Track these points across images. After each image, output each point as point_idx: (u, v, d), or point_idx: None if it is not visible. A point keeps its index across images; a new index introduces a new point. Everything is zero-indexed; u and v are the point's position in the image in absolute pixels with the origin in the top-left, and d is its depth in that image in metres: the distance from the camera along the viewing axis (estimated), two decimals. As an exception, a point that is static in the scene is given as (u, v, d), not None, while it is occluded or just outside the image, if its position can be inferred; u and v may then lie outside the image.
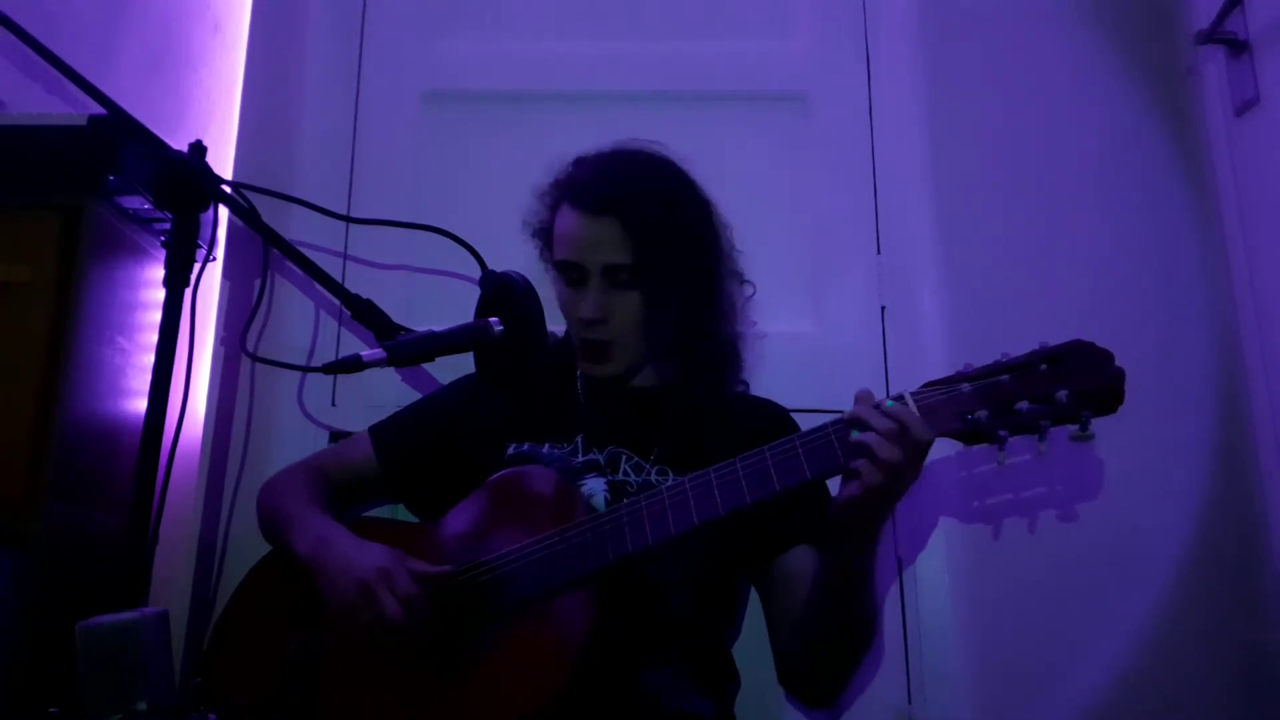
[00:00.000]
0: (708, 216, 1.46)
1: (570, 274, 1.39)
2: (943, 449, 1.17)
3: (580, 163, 1.45)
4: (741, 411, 1.46)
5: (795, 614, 1.32)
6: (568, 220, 1.40)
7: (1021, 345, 1.16)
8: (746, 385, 1.53)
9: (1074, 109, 1.87)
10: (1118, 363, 1.12)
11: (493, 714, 1.15)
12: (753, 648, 1.42)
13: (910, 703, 1.64)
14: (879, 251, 1.84)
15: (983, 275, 1.80)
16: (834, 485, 1.18)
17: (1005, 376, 1.12)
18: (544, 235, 1.47)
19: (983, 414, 1.12)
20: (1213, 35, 1.73)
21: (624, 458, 1.37)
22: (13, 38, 1.43)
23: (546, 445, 1.39)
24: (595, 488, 1.34)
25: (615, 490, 1.34)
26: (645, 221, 1.36)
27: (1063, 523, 1.65)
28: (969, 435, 1.14)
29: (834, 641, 1.26)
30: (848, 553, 1.18)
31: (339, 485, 1.47)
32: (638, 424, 1.40)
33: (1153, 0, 1.91)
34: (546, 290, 1.45)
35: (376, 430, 1.51)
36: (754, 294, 1.53)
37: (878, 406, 1.13)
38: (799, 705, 1.54)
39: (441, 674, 1.20)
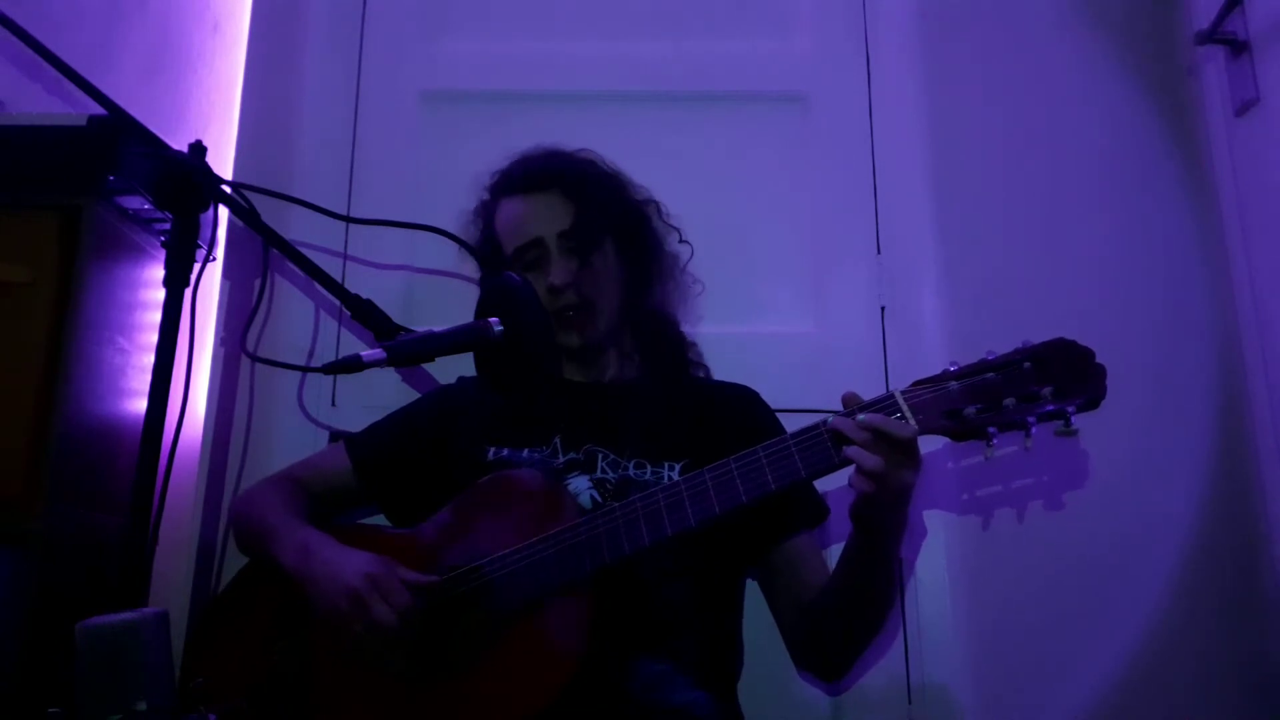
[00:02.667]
0: (638, 198, 1.57)
1: (530, 255, 1.45)
2: (931, 443, 1.19)
3: (503, 170, 1.56)
4: (712, 397, 1.50)
5: (801, 597, 1.36)
6: (511, 207, 1.49)
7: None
8: (707, 370, 1.58)
9: (1074, 109, 1.88)
10: (1107, 361, 1.14)
11: (492, 717, 1.15)
12: (759, 630, 1.45)
13: (910, 703, 1.64)
14: (879, 251, 1.84)
15: (983, 275, 1.80)
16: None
17: (991, 374, 1.15)
18: (490, 242, 1.54)
19: (971, 411, 1.14)
20: (1213, 35, 1.73)
21: (600, 455, 1.38)
22: (13, 38, 1.43)
23: (526, 450, 1.40)
24: (580, 486, 1.35)
25: (599, 487, 1.35)
26: (583, 188, 1.47)
27: (1056, 517, 1.65)
28: (959, 433, 1.16)
29: (854, 621, 1.31)
30: (871, 543, 1.21)
31: (316, 496, 1.47)
32: (611, 420, 1.42)
33: (1153, 0, 1.91)
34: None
35: (352, 442, 1.52)
36: (702, 291, 1.62)
37: (852, 414, 1.15)
38: (812, 680, 1.59)
39: (436, 679, 1.20)
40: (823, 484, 1.39)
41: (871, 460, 1.11)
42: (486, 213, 1.56)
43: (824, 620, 1.32)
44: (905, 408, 1.15)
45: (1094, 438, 1.66)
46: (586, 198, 1.46)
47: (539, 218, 1.46)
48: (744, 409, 1.49)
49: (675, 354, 1.53)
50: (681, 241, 1.61)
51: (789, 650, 1.43)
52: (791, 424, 1.49)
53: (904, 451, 1.13)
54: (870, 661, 1.63)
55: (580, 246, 1.44)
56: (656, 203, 1.59)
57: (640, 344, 1.52)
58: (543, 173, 1.49)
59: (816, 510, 1.44)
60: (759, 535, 1.39)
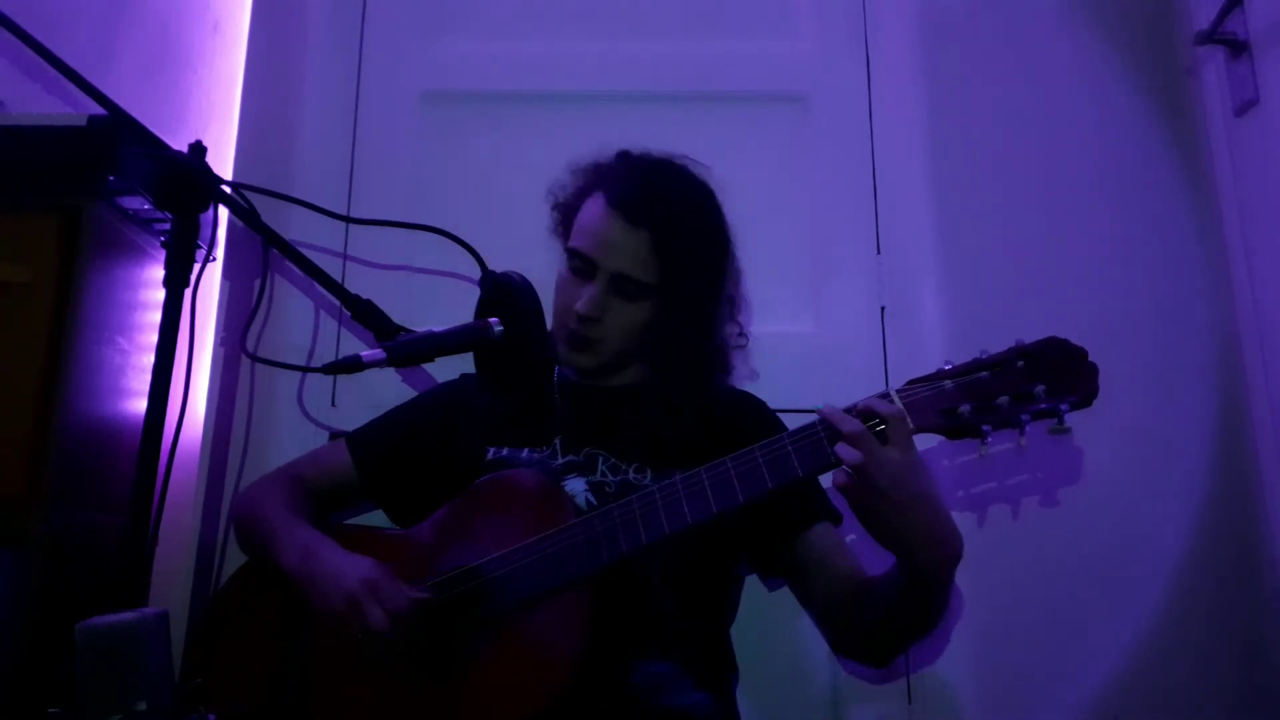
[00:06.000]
0: (727, 245, 1.47)
1: (577, 263, 1.39)
2: (926, 440, 1.19)
3: (625, 157, 1.45)
4: (717, 405, 1.47)
5: (833, 588, 1.33)
6: (597, 213, 1.39)
7: (1021, 345, 1.17)
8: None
9: (1074, 109, 1.88)
10: (1107, 360, 1.15)
11: (493, 718, 1.15)
12: (752, 636, 1.45)
13: (910, 703, 1.64)
14: (879, 251, 1.84)
15: (983, 275, 1.80)
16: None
17: (985, 373, 1.16)
18: (564, 212, 1.46)
19: (965, 409, 1.15)
20: (1213, 35, 1.73)
21: (600, 458, 1.38)
22: (13, 38, 1.43)
23: (525, 450, 1.39)
24: (576, 488, 1.35)
25: (596, 490, 1.34)
26: (674, 245, 1.36)
27: (1056, 517, 1.66)
28: (953, 430, 1.16)
29: (906, 625, 1.25)
30: (907, 561, 1.16)
31: (317, 494, 1.46)
32: (613, 424, 1.41)
33: (1153, 0, 1.91)
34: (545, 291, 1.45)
35: (353, 439, 1.51)
36: (746, 344, 1.53)
37: (848, 410, 1.15)
38: (854, 666, 1.59)
39: (434, 682, 1.20)
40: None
41: (851, 454, 1.10)
42: (580, 188, 1.46)
43: (865, 619, 1.28)
44: (899, 405, 1.15)
45: (1093, 438, 1.66)
46: (670, 262, 1.36)
47: (613, 246, 1.36)
48: (748, 416, 1.48)
49: (699, 369, 1.45)
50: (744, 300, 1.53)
51: (826, 639, 1.39)
52: (792, 424, 1.49)
53: (888, 428, 1.12)
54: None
55: (627, 295, 1.37)
56: (735, 256, 1.49)
57: (653, 356, 1.47)
58: (641, 208, 1.36)
59: (830, 505, 1.40)
60: (777, 532, 1.37)
